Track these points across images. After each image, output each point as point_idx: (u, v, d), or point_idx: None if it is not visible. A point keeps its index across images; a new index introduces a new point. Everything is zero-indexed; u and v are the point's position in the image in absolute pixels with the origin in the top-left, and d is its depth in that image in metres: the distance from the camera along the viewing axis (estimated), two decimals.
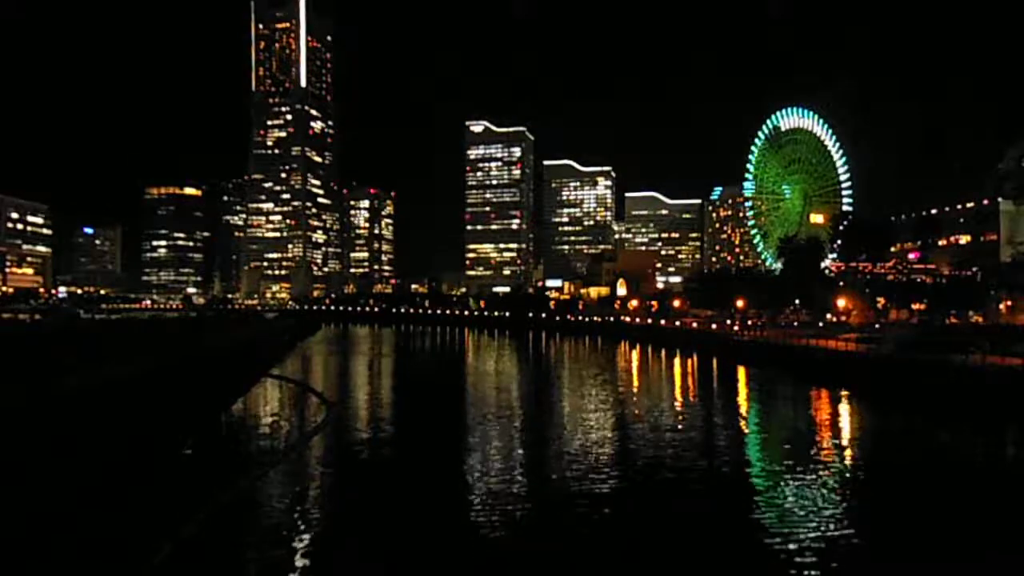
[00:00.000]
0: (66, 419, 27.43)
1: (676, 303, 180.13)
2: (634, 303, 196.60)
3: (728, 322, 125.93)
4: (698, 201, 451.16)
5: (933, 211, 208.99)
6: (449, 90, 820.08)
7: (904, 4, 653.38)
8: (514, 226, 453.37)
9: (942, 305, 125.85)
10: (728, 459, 34.08)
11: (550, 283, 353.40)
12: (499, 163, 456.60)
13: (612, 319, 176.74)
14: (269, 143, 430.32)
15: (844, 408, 50.57)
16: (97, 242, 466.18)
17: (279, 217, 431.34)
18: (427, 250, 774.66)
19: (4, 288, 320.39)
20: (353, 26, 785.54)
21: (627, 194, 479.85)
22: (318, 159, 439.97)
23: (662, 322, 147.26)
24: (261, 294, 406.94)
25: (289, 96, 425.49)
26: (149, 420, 35.41)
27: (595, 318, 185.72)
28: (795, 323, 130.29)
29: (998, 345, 57.17)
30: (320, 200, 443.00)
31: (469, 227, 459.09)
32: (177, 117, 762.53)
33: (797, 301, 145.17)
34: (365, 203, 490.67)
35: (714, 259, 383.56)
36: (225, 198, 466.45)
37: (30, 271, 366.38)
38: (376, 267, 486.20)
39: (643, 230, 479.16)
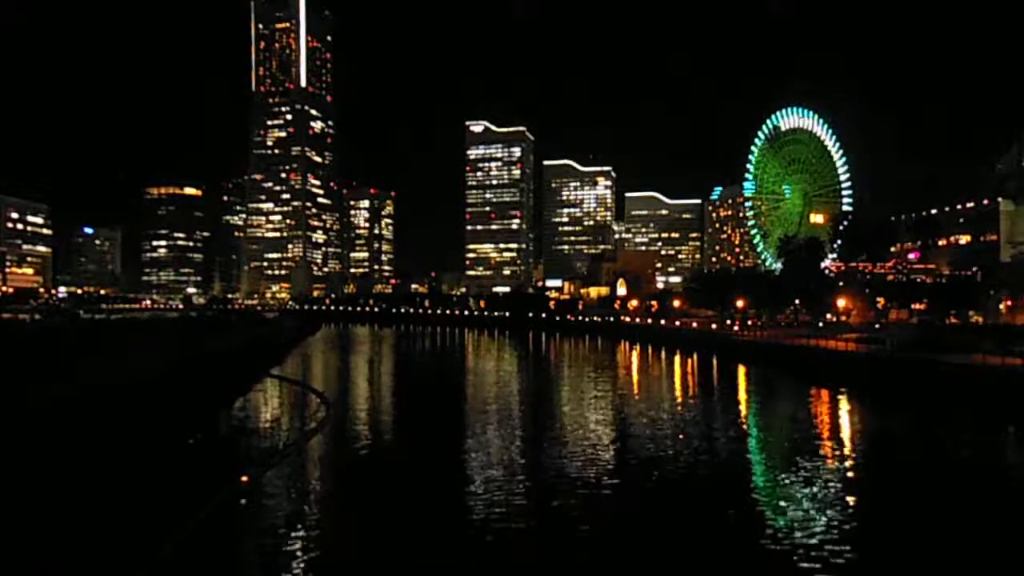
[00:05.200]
0: (65, 420, 27.45)
1: (676, 303, 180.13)
2: (634, 303, 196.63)
3: (728, 322, 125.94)
4: (698, 201, 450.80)
5: (933, 211, 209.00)
6: (449, 90, 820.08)
7: (905, 4, 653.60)
8: (514, 226, 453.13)
9: (942, 305, 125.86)
10: (728, 458, 34.06)
11: (550, 283, 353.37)
12: (499, 163, 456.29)
13: (612, 319, 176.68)
14: (269, 143, 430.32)
15: (844, 408, 50.56)
16: (97, 242, 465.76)
17: (279, 217, 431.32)
18: (427, 250, 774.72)
19: (4, 288, 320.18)
20: (353, 26, 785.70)
21: (627, 194, 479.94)
22: (318, 159, 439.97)
23: (662, 322, 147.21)
24: (261, 294, 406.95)
25: (289, 96, 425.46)
26: (149, 420, 35.43)
27: (595, 318, 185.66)
28: (795, 323, 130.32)
29: (998, 345, 57.16)
30: (320, 200, 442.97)
31: (469, 227, 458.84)
32: (177, 117, 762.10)
33: (797, 301, 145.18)
34: (365, 203, 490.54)
35: (714, 259, 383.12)
36: (225, 198, 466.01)
37: (30, 271, 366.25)
38: (376, 267, 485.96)
39: (643, 230, 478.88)
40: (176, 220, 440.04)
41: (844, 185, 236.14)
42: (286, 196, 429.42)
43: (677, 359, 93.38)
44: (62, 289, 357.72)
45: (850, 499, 26.74)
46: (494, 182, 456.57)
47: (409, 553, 20.92)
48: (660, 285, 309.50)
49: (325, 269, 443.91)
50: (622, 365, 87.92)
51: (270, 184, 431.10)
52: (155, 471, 29.72)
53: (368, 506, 25.77)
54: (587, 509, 25.09)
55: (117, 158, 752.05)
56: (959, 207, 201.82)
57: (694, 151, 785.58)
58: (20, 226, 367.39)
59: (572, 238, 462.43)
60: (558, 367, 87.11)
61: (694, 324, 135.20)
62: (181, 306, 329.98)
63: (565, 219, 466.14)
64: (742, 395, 59.78)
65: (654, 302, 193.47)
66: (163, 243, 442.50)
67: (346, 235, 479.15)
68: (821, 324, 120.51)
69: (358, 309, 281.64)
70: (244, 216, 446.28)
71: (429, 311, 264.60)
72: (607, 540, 22.17)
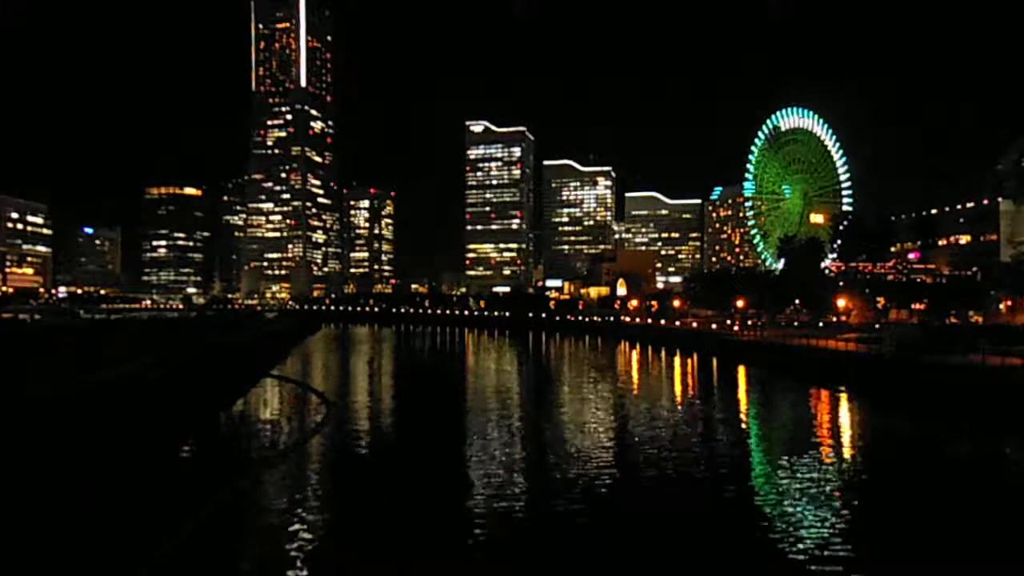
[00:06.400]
0: (65, 419, 27.45)
1: (676, 303, 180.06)
2: (634, 303, 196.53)
3: (728, 322, 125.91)
4: (698, 201, 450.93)
5: (933, 211, 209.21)
6: (449, 90, 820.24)
7: (904, 4, 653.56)
8: (514, 226, 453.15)
9: (942, 305, 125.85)
10: (727, 458, 34.05)
11: (550, 283, 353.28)
12: (499, 163, 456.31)
13: (612, 319, 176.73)
14: (269, 143, 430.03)
15: (844, 408, 50.59)
16: (97, 242, 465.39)
17: (279, 217, 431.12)
18: (427, 250, 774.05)
19: (4, 288, 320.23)
20: (353, 26, 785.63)
21: (627, 194, 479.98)
22: (318, 159, 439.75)
23: (662, 322, 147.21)
24: (261, 294, 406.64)
25: (289, 96, 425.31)
26: (149, 420, 35.44)
27: (595, 318, 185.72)
28: (795, 323, 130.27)
29: (998, 345, 57.15)
30: (320, 200, 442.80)
31: (469, 227, 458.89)
32: (177, 117, 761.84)
33: (797, 301, 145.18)
34: (365, 203, 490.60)
35: (714, 259, 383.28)
36: (225, 198, 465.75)
37: (30, 271, 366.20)
38: (376, 267, 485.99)
39: (643, 230, 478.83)
40: (176, 220, 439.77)
41: (844, 185, 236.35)
42: (286, 196, 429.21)
43: (677, 359, 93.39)
44: (62, 289, 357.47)
45: (848, 498, 26.73)
46: (494, 182, 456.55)
47: (410, 553, 20.93)
48: (660, 285, 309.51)
49: (325, 269, 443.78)
50: (622, 365, 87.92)
51: (270, 184, 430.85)
52: (156, 471, 29.74)
53: (369, 506, 25.77)
54: (588, 508, 25.06)
55: (117, 158, 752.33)
56: (959, 207, 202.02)
57: (694, 151, 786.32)
58: (20, 226, 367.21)
59: (572, 238, 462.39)
60: (558, 367, 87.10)
61: (694, 324, 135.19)
62: (181, 306, 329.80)
63: (565, 219, 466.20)
64: (742, 395, 59.78)
65: (654, 302, 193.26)
66: (163, 243, 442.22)
67: (346, 235, 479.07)
68: (821, 324, 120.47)
69: (358, 309, 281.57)
70: (244, 216, 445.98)
71: (429, 311, 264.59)
72: (607, 538, 22.18)
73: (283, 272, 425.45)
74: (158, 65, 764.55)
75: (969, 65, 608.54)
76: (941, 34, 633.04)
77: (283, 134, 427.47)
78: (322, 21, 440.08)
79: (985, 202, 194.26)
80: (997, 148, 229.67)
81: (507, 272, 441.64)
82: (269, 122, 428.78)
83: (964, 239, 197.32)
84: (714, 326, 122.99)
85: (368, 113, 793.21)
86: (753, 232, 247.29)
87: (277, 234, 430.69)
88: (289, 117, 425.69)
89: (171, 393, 39.77)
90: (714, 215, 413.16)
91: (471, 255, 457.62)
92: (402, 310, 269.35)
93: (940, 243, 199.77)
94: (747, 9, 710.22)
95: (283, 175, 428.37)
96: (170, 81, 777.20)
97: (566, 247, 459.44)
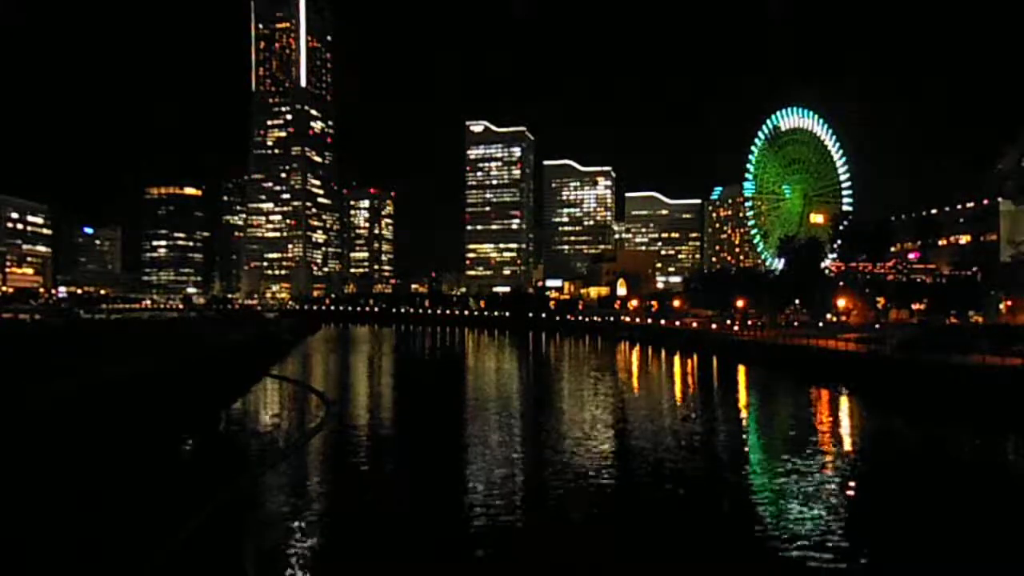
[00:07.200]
0: (65, 419, 27.47)
1: (676, 303, 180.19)
2: (634, 303, 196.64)
3: (728, 322, 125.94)
4: (698, 201, 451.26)
5: (933, 211, 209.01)
6: (449, 90, 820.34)
7: (904, 4, 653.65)
8: (514, 226, 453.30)
9: (942, 305, 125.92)
10: (727, 458, 34.09)
11: (550, 283, 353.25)
12: (499, 163, 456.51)
13: (612, 319, 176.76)
14: (269, 143, 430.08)
15: (844, 408, 50.57)
16: (97, 242, 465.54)
17: (279, 217, 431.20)
18: (427, 250, 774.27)
19: (4, 288, 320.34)
20: (353, 26, 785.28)
21: (627, 194, 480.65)
22: (318, 159, 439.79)
23: (662, 322, 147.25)
24: (261, 294, 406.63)
25: (289, 96, 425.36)
26: (149, 419, 35.45)
27: (595, 318, 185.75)
28: (795, 323, 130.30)
29: (998, 345, 57.14)
30: (320, 200, 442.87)
31: (469, 227, 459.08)
32: (177, 117, 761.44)
33: (797, 301, 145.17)
34: (365, 203, 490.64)
35: (714, 259, 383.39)
36: (225, 198, 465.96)
37: (30, 271, 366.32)
38: (376, 267, 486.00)
39: (643, 230, 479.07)
40: (176, 220, 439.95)
41: (844, 185, 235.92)
42: (286, 196, 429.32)
43: (677, 359, 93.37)
44: (62, 289, 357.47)
45: (847, 497, 26.74)
46: (494, 182, 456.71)
47: (409, 552, 20.92)
48: (660, 285, 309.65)
49: (325, 269, 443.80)
50: (622, 365, 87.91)
51: (270, 184, 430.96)
52: (156, 471, 29.72)
53: (368, 506, 25.77)
54: (587, 507, 25.09)
55: (117, 158, 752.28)
56: (959, 207, 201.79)
57: (694, 151, 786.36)
58: (20, 226, 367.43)
59: (572, 238, 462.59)
60: (558, 367, 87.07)
61: (694, 324, 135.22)
62: (181, 306, 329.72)
63: (565, 219, 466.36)
64: (742, 395, 59.78)
65: (654, 302, 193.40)
66: (163, 243, 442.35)
67: (346, 235, 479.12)
68: (821, 324, 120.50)
69: (358, 309, 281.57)
70: (244, 216, 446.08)
71: (429, 311, 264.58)
72: (607, 536, 22.16)
73: (283, 272, 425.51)
74: (158, 65, 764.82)
75: (970, 65, 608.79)
76: (942, 34, 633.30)
77: (283, 134, 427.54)
78: (322, 21, 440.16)
79: (985, 202, 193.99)
80: (997, 148, 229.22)
81: (507, 272, 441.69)
82: (269, 122, 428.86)
83: (964, 239, 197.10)
84: (714, 326, 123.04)
85: (368, 113, 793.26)
86: (753, 232, 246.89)
87: (277, 234, 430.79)
88: (289, 117, 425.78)
89: (171, 393, 39.78)
90: (714, 215, 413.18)
91: (471, 255, 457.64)
92: (402, 310, 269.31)
93: (940, 243, 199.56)
94: (747, 9, 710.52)
95: (283, 175, 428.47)
96: (170, 81, 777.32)
97: (566, 247, 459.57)
